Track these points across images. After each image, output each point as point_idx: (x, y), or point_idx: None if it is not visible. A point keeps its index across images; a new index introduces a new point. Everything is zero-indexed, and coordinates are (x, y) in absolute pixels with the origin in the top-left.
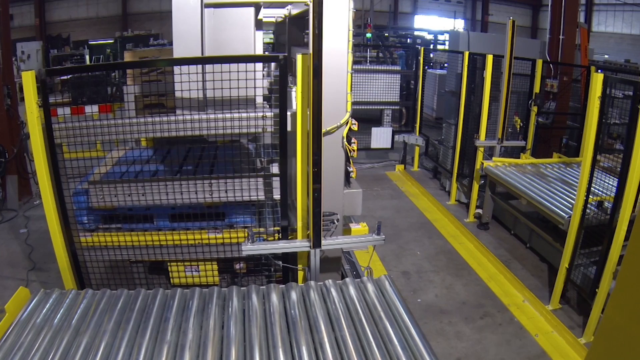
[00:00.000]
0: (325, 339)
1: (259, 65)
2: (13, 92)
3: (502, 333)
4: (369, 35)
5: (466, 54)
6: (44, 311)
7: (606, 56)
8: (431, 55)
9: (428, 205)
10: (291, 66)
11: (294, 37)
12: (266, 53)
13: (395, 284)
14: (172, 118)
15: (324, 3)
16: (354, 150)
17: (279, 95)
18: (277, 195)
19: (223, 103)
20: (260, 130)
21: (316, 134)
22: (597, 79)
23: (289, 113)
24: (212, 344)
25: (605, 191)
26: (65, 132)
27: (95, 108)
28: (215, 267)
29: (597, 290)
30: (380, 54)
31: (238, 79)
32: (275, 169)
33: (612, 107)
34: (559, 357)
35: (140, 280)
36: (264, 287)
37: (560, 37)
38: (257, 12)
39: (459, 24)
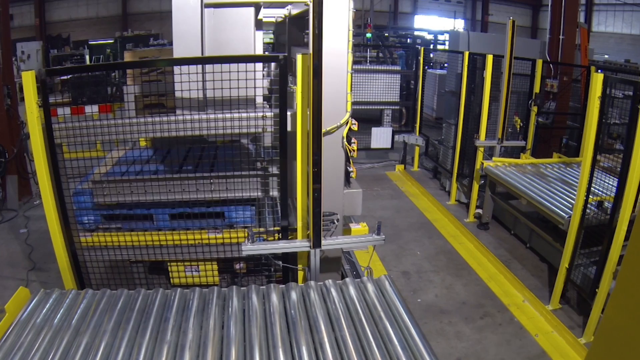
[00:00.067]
0: (325, 339)
1: (259, 65)
2: (13, 92)
3: (502, 333)
4: (369, 35)
5: (466, 54)
6: (44, 311)
7: (606, 56)
8: (431, 55)
9: (428, 205)
10: (291, 66)
11: (294, 37)
12: (266, 53)
13: (395, 284)
14: (172, 118)
15: (324, 3)
16: (354, 150)
17: (279, 95)
18: (276, 193)
19: (223, 103)
20: (260, 130)
21: (316, 134)
22: (597, 79)
23: (289, 113)
24: (212, 344)
25: (605, 191)
26: (65, 132)
27: (95, 108)
28: (215, 267)
29: (597, 290)
30: (380, 54)
31: (238, 79)
32: (275, 169)
33: (612, 107)
34: (559, 357)
35: (140, 280)
36: (264, 287)
37: (560, 37)
38: (257, 12)
39: (459, 24)
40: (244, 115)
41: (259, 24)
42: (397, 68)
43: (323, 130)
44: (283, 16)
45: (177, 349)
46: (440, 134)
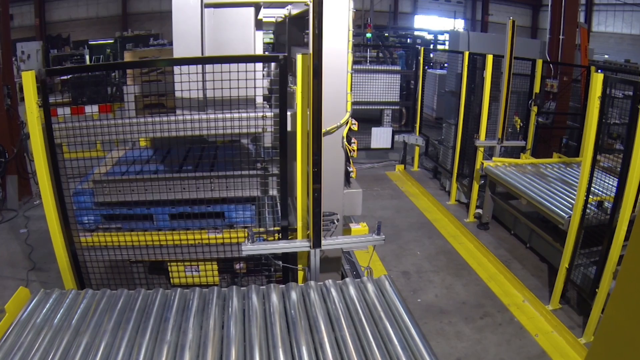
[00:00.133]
0: (325, 339)
1: (259, 65)
2: (13, 92)
3: (502, 333)
4: (369, 35)
5: (466, 54)
6: (44, 311)
7: (606, 56)
8: (431, 55)
9: (428, 205)
10: (291, 66)
11: (294, 37)
12: (266, 53)
13: (395, 284)
14: (172, 118)
15: (324, 3)
16: (354, 150)
17: (279, 95)
18: (276, 193)
19: (223, 103)
20: (260, 130)
21: (316, 134)
22: (597, 79)
23: (289, 113)
24: (212, 344)
25: (605, 191)
26: (65, 132)
27: (95, 108)
28: (215, 267)
29: (597, 290)
30: (380, 54)
31: (238, 79)
32: (275, 168)
33: (612, 107)
34: (559, 357)
35: (140, 280)
36: (264, 287)
37: (560, 37)
38: (257, 12)
39: (459, 24)
40: (244, 115)
41: (259, 24)
42: (397, 68)
43: (323, 130)
44: (283, 16)
45: (177, 349)
46: (440, 134)
